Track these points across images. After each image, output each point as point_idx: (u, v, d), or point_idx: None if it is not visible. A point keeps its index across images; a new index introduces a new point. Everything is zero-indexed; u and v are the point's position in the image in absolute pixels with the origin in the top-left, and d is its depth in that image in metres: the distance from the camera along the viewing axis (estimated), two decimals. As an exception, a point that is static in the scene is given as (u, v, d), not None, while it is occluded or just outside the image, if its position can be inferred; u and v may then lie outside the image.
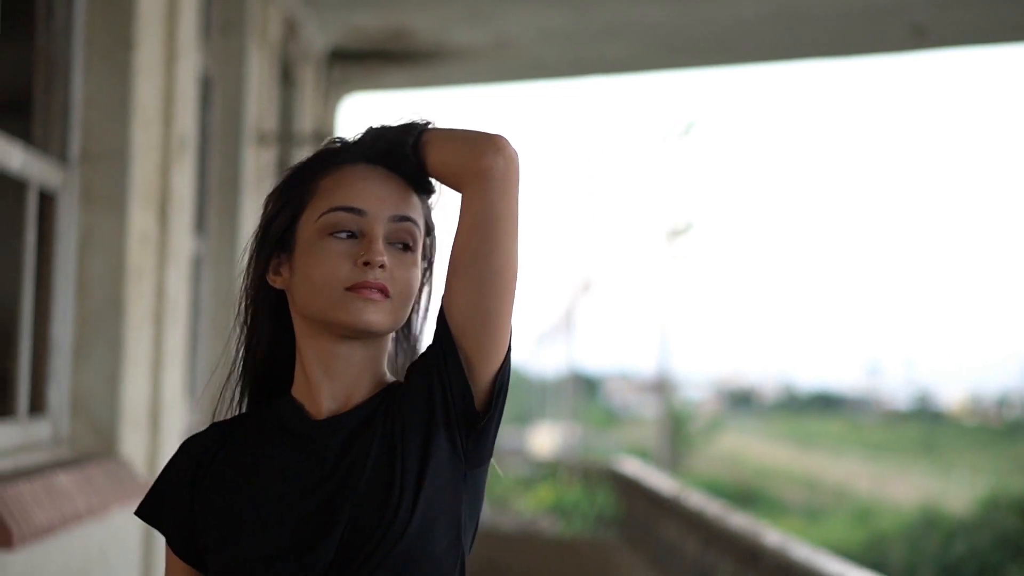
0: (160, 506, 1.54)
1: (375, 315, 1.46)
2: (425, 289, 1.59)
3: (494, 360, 1.49)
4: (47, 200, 3.49)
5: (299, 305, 1.50)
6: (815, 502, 26.26)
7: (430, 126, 1.53)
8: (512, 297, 1.50)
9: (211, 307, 5.47)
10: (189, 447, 1.55)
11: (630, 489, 6.98)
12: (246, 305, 1.56)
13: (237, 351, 1.57)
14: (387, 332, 1.50)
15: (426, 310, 1.61)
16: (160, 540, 3.97)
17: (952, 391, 53.34)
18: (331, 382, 1.50)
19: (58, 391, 3.52)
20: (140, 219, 3.76)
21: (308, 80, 7.58)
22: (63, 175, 3.54)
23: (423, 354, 1.53)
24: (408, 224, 1.50)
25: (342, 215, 1.47)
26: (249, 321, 1.56)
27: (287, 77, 7.08)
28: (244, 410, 1.58)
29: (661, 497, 6.38)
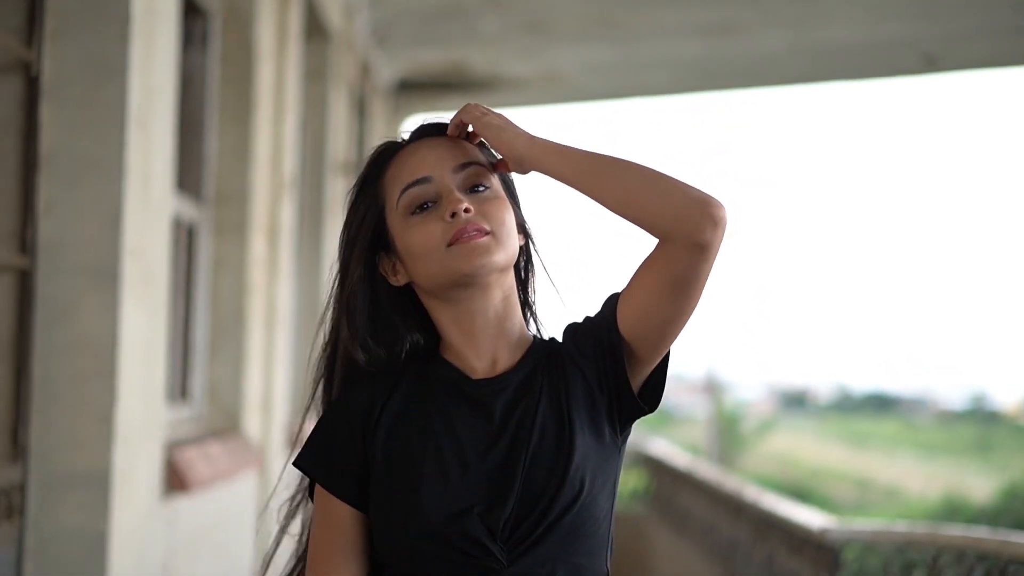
0: (324, 456, 1.53)
1: (486, 254, 1.48)
2: (524, 242, 1.61)
3: (657, 360, 1.54)
4: (190, 233, 4.45)
5: (422, 284, 1.54)
6: (865, 500, 26.57)
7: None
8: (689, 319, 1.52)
9: (302, 313, 6.42)
10: (352, 397, 1.54)
11: (657, 467, 7.84)
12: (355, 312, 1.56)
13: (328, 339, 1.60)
14: (506, 266, 1.53)
15: (526, 270, 1.63)
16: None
17: (1008, 391, 53.28)
18: (473, 342, 1.54)
19: (198, 381, 4.48)
20: (257, 246, 4.71)
21: (378, 111, 8.52)
22: (200, 212, 4.50)
23: (589, 324, 1.56)
24: (473, 167, 1.54)
25: (412, 191, 1.52)
26: (375, 321, 1.57)
27: (361, 111, 8.01)
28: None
29: (678, 471, 7.30)
